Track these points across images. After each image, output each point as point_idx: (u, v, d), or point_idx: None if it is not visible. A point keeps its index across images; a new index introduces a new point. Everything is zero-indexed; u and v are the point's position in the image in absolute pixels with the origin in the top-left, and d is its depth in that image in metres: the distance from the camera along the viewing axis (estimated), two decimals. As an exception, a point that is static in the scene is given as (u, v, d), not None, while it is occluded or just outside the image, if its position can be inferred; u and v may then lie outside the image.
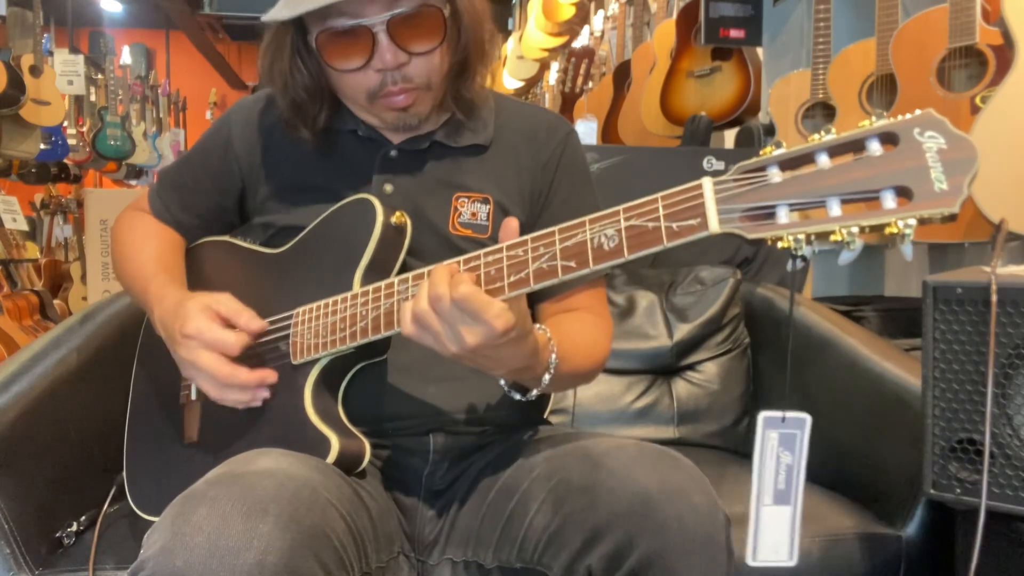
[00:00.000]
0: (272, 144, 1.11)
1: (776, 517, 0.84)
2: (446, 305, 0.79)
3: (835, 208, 0.68)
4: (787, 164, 0.71)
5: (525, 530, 0.90)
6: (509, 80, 6.38)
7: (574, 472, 0.88)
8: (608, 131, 3.76)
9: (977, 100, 1.76)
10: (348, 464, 0.95)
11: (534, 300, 1.08)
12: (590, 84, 4.31)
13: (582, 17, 5.10)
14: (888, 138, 0.68)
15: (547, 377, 0.92)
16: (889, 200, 0.67)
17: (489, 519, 0.96)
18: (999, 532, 1.07)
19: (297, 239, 1.07)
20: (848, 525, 1.23)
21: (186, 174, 1.18)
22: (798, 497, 0.83)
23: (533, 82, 6.71)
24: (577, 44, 5.07)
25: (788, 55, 2.79)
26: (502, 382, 0.96)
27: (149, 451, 1.11)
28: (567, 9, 5.17)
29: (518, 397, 0.96)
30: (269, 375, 0.97)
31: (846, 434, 1.40)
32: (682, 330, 1.73)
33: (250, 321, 0.98)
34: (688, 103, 2.97)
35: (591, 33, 4.75)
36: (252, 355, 1.02)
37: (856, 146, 0.69)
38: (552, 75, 5.81)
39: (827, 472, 1.37)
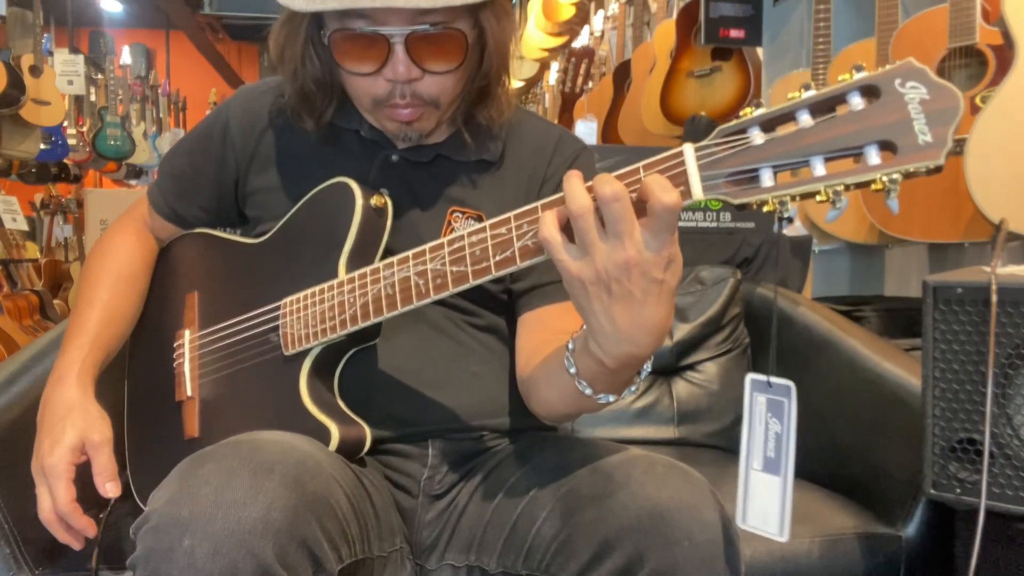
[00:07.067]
0: (270, 135, 1.08)
1: (765, 485, 0.83)
2: (621, 207, 0.69)
3: (819, 167, 0.67)
4: (768, 124, 0.69)
5: (532, 538, 0.89)
6: (509, 80, 6.37)
7: (584, 483, 0.87)
8: (608, 131, 3.76)
9: (977, 100, 1.76)
10: (350, 450, 0.94)
11: (540, 303, 1.05)
12: (590, 84, 4.31)
13: (582, 17, 5.10)
14: (869, 91, 0.66)
15: (647, 366, 0.83)
16: (873, 156, 0.65)
17: (493, 525, 0.95)
18: (999, 532, 1.07)
19: (277, 228, 1.05)
20: (848, 525, 1.23)
21: (185, 162, 1.14)
22: (788, 470, 0.82)
23: (533, 82, 6.72)
24: (577, 44, 5.07)
25: (788, 55, 2.79)
26: (581, 385, 0.84)
27: (152, 448, 1.11)
28: (567, 9, 5.17)
29: (610, 399, 0.86)
30: (89, 529, 0.96)
31: (846, 434, 1.40)
32: (682, 330, 1.73)
33: (103, 490, 0.96)
34: (688, 103, 2.97)
35: (591, 33, 4.75)
36: (243, 347, 1.02)
37: (837, 101, 0.67)
38: (552, 75, 5.82)
39: (827, 472, 1.37)
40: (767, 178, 0.69)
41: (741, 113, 0.70)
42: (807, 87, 0.68)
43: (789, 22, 2.82)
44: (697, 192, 0.71)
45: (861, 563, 1.20)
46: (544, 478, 0.92)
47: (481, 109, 1.02)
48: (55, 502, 0.94)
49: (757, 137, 0.69)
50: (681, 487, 0.83)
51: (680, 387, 1.73)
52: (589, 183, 0.72)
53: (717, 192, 0.70)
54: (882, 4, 2.01)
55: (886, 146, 0.65)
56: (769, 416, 0.84)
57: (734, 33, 2.85)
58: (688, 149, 0.71)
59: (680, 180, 0.71)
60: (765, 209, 0.69)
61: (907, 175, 0.64)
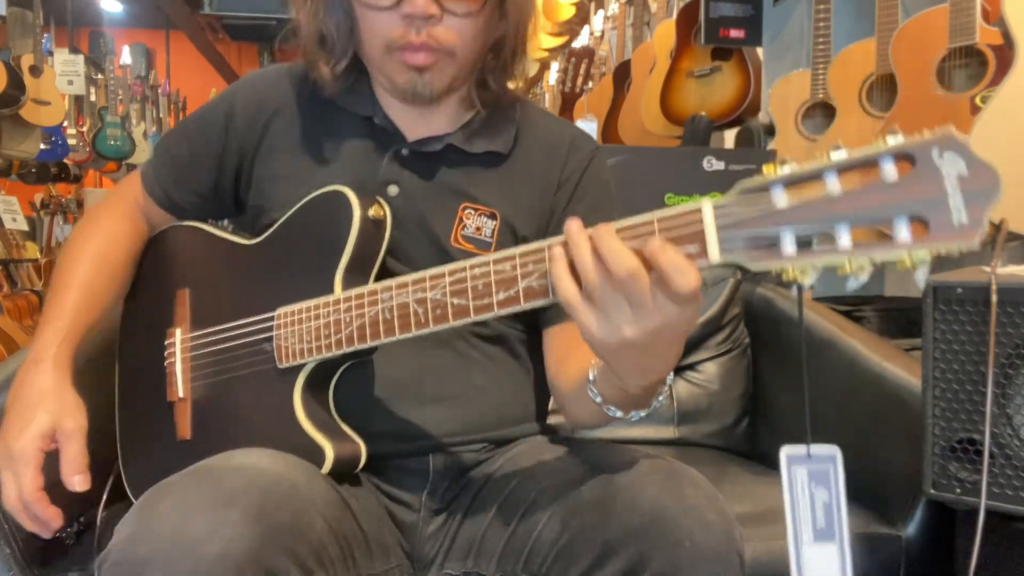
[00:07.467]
0: (278, 123, 1.05)
1: (821, 554, 0.79)
2: (640, 285, 0.68)
3: (844, 237, 0.63)
4: (793, 184, 0.65)
5: (532, 543, 0.88)
6: (509, 80, 6.39)
7: (584, 486, 0.86)
8: (608, 131, 3.76)
9: (977, 100, 1.76)
10: (345, 468, 0.93)
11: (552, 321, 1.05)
12: (590, 84, 4.31)
13: (582, 17, 5.11)
14: (904, 158, 0.62)
15: (670, 378, 0.83)
16: (903, 231, 0.61)
17: (493, 530, 0.93)
18: (999, 532, 1.07)
19: (272, 230, 1.02)
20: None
21: (183, 146, 1.09)
22: (843, 533, 0.78)
23: (533, 82, 6.72)
24: (577, 44, 5.07)
25: (788, 55, 2.79)
26: (611, 411, 0.86)
27: (145, 447, 1.10)
28: (567, 9, 5.18)
29: (641, 414, 0.87)
30: (55, 520, 0.91)
31: (846, 434, 1.40)
32: (682, 330, 1.73)
33: (70, 482, 0.91)
34: (688, 103, 2.97)
35: (591, 33, 4.75)
36: (237, 354, 1.00)
37: (868, 166, 0.63)
38: (552, 75, 5.82)
39: (827, 472, 1.37)
40: (788, 244, 0.65)
41: (765, 169, 0.66)
42: (837, 147, 0.64)
43: (789, 22, 2.82)
44: (714, 255, 0.67)
45: (861, 563, 1.19)
46: (544, 481, 0.91)
47: (493, 73, 1.00)
48: (20, 489, 0.90)
49: (780, 198, 0.65)
50: (683, 489, 0.82)
51: (680, 387, 1.73)
52: (590, 230, 0.70)
53: (734, 256, 0.66)
54: (882, 4, 2.01)
55: (917, 219, 0.61)
56: (813, 486, 0.80)
57: (734, 33, 2.84)
58: (707, 207, 0.67)
59: (696, 239, 0.67)
60: (785, 277, 0.65)
61: (937, 255, 0.61)
